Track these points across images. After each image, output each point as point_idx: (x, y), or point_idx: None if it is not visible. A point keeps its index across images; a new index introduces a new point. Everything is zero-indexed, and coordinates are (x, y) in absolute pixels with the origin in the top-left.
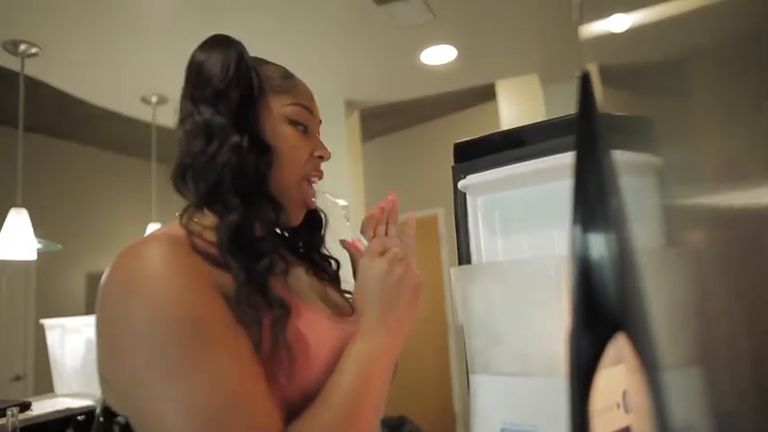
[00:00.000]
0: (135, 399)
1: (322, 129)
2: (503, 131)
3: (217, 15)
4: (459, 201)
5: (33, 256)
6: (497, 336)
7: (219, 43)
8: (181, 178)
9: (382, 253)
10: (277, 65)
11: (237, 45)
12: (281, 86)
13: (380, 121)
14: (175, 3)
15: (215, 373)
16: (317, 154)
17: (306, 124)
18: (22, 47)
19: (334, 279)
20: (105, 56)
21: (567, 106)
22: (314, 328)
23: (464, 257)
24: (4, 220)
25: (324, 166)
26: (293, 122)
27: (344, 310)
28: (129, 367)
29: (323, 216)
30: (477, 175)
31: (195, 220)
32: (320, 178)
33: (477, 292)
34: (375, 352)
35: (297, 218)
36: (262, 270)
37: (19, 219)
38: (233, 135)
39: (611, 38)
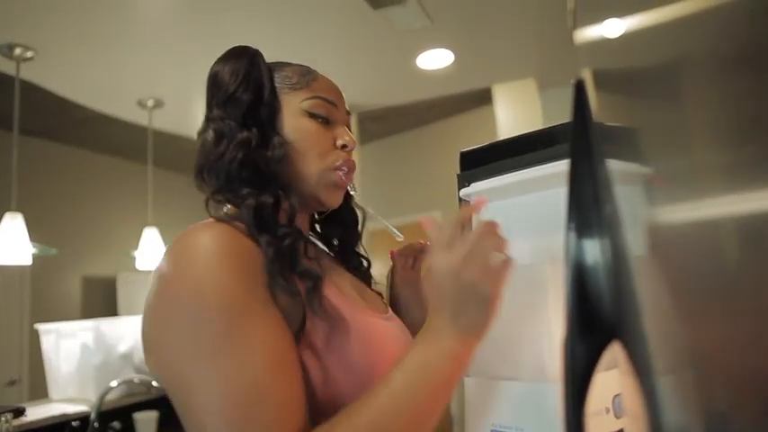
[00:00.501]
0: (171, 374)
1: None
2: (507, 139)
3: (214, 20)
4: None
5: (28, 261)
6: (491, 340)
7: (233, 54)
8: (199, 177)
9: (451, 246)
10: (300, 65)
11: (251, 54)
12: (299, 83)
13: (378, 125)
14: (172, 7)
15: (247, 358)
16: (339, 143)
17: (326, 116)
18: (18, 51)
19: (365, 278)
20: (101, 60)
21: (564, 110)
22: (350, 311)
23: None
24: None
25: None
26: (312, 115)
27: (379, 306)
28: (169, 344)
29: (360, 213)
30: (480, 183)
31: (224, 211)
32: (350, 168)
33: None
34: (435, 357)
35: (333, 200)
36: (288, 245)
37: (14, 223)
38: (240, 133)
39: (605, 43)
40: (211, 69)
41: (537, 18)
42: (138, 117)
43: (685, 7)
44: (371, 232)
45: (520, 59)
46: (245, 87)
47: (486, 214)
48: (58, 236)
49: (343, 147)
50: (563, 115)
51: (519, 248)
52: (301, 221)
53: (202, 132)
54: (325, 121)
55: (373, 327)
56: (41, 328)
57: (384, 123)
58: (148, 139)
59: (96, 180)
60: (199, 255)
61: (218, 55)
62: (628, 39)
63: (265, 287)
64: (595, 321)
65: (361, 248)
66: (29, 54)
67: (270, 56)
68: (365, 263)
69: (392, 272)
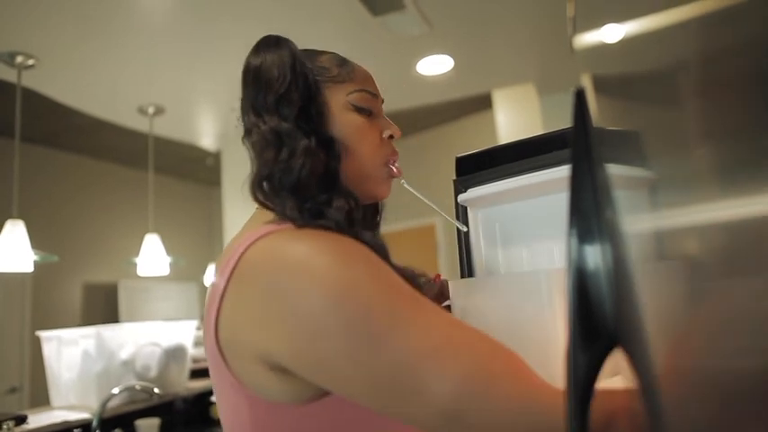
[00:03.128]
0: (343, 377)
1: None
2: (503, 144)
3: (214, 26)
4: (461, 214)
5: (30, 269)
6: None
7: (271, 44)
8: (260, 190)
9: None
10: (330, 53)
11: (289, 44)
12: (340, 75)
13: None
14: (172, 14)
15: (431, 318)
16: (386, 135)
17: (371, 109)
18: (19, 58)
19: None
20: (102, 67)
21: (564, 116)
22: None
23: (465, 271)
24: (0, 232)
25: None
26: (358, 109)
27: None
28: (330, 348)
29: (380, 202)
30: (477, 188)
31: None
32: (397, 160)
33: (473, 306)
34: None
35: (386, 192)
36: (382, 244)
37: (15, 230)
38: (301, 139)
39: (604, 48)
40: (249, 62)
41: (536, 23)
42: (139, 124)
43: (683, 12)
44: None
45: (519, 65)
46: (294, 85)
47: (484, 220)
48: (59, 242)
49: (390, 137)
50: (563, 120)
51: (519, 255)
52: None
53: (255, 139)
54: (370, 114)
55: None
56: (43, 335)
57: None
58: (149, 146)
59: (97, 187)
60: (326, 254)
61: (219, 61)
62: (626, 44)
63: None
64: (597, 328)
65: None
66: (30, 62)
67: None
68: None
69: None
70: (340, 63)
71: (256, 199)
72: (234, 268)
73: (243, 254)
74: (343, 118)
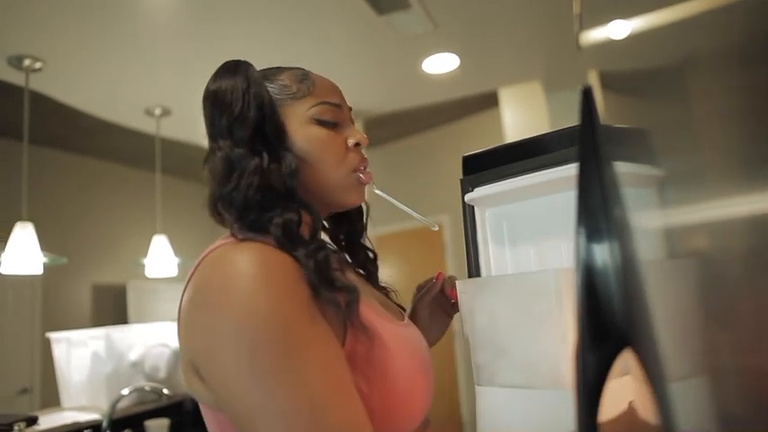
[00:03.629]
0: (229, 397)
1: None
2: (511, 143)
3: (220, 27)
4: (468, 213)
5: (40, 271)
6: (502, 349)
7: (228, 70)
8: (214, 210)
9: None
10: (291, 69)
11: (246, 68)
12: (300, 91)
13: (384, 130)
14: (178, 16)
15: (306, 376)
16: (351, 143)
17: (334, 120)
18: (27, 62)
19: (372, 277)
20: (109, 69)
21: (571, 113)
22: (379, 322)
23: (473, 270)
24: (9, 234)
25: None
26: (320, 122)
27: (397, 313)
28: (222, 367)
29: (364, 206)
30: (484, 187)
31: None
32: (366, 166)
33: (481, 306)
34: None
35: (358, 199)
36: (322, 258)
37: (25, 232)
38: (252, 160)
39: (611, 45)
40: (207, 88)
41: (542, 21)
42: (146, 125)
43: (691, 7)
44: (379, 237)
45: (525, 62)
46: (247, 107)
47: (491, 219)
48: (68, 244)
49: (356, 145)
50: (569, 118)
51: (527, 254)
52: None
53: (210, 162)
54: (334, 125)
55: (401, 336)
56: (53, 336)
57: (390, 128)
58: (156, 147)
59: (105, 188)
60: (246, 276)
61: (224, 62)
62: (633, 40)
63: (311, 302)
64: (606, 328)
65: (367, 241)
66: (38, 65)
67: (277, 62)
68: (371, 254)
69: (428, 290)
70: (300, 79)
71: (213, 217)
72: (190, 279)
73: (198, 265)
74: (305, 132)
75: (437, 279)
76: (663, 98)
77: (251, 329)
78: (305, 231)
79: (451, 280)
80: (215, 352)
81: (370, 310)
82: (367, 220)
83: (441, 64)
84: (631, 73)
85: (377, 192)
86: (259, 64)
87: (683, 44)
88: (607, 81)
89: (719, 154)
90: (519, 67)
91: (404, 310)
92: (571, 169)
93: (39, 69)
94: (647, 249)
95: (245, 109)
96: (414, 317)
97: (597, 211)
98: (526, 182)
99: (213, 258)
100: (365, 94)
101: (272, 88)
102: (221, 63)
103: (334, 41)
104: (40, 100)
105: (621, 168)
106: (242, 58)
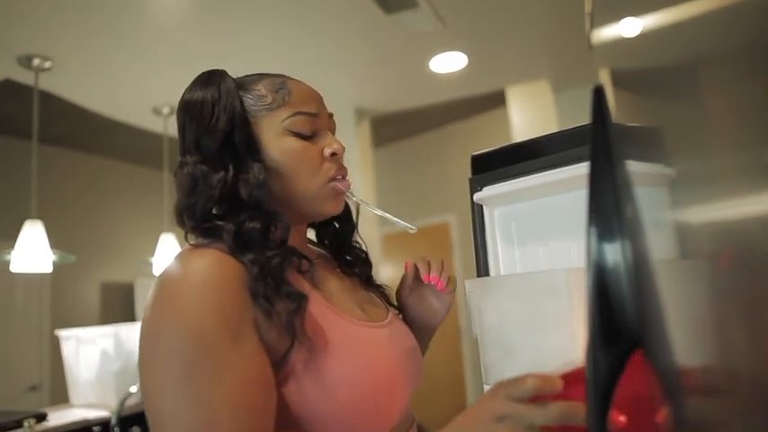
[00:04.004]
0: (145, 397)
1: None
2: (519, 142)
3: (227, 26)
4: (476, 212)
5: (49, 269)
6: (510, 348)
7: (201, 82)
8: (179, 218)
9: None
10: (268, 77)
11: (218, 79)
12: (274, 102)
13: (391, 129)
14: (186, 15)
15: (208, 393)
16: (327, 153)
17: (309, 131)
18: (36, 61)
19: (363, 277)
20: (117, 68)
21: (579, 112)
22: (335, 327)
23: (482, 269)
24: (19, 233)
25: None
26: (295, 133)
27: (376, 315)
28: (147, 368)
29: (352, 205)
30: (492, 186)
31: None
32: (344, 175)
33: (490, 305)
34: None
35: (335, 208)
36: (275, 264)
37: (34, 231)
38: (216, 174)
39: (622, 43)
40: (181, 98)
41: (550, 19)
42: (154, 124)
43: (704, 4)
44: (386, 236)
45: (533, 61)
46: (216, 119)
47: (500, 218)
48: (76, 242)
49: (333, 155)
50: (577, 117)
51: (535, 253)
52: (298, 233)
53: (177, 176)
54: (311, 135)
55: (360, 340)
56: (62, 334)
57: (397, 127)
58: (164, 146)
59: (113, 187)
60: (185, 283)
61: (231, 61)
62: (645, 38)
63: (245, 315)
64: (618, 328)
65: (359, 238)
66: (47, 64)
67: (284, 61)
68: (362, 254)
69: (401, 282)
70: (276, 88)
71: (179, 226)
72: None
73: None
74: (279, 144)
75: (406, 269)
76: (675, 96)
77: (170, 336)
78: (276, 238)
79: (425, 264)
80: (141, 352)
81: (326, 312)
82: (357, 220)
83: (448, 63)
84: (643, 71)
85: (354, 199)
86: (265, 62)
87: (696, 42)
88: (619, 79)
89: (732, 153)
90: (526, 66)
91: (396, 308)
92: (580, 168)
93: (48, 69)
94: (659, 249)
95: (213, 122)
96: (402, 311)
97: (609, 211)
98: (534, 181)
99: (170, 264)
100: (372, 92)
101: (248, 99)
102: (229, 61)
103: (342, 40)
104: (48, 99)
105: (633, 167)
106: (247, 57)
